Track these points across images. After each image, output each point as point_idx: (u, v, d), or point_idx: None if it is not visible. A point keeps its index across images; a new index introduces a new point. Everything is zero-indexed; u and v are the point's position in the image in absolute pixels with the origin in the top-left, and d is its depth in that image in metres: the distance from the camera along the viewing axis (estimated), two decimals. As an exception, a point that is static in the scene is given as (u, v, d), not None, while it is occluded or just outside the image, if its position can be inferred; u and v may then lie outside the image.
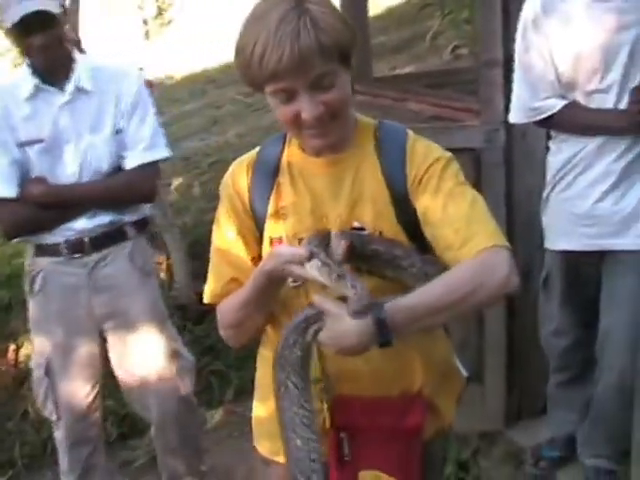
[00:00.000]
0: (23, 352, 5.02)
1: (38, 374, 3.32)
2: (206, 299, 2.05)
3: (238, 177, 2.02)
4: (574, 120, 3.01)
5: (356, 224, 1.92)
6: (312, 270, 1.77)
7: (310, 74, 1.75)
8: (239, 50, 1.80)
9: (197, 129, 8.96)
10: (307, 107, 1.78)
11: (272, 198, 1.97)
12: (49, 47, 2.99)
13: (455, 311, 1.78)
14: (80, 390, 3.32)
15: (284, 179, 1.98)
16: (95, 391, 3.36)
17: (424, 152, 1.92)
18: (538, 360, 3.57)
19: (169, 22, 17.27)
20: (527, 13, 3.03)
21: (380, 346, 1.74)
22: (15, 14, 2.89)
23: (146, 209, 3.35)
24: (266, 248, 1.97)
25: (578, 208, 3.05)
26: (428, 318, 1.76)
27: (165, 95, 9.48)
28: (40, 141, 3.10)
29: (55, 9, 2.97)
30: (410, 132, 1.98)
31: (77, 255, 3.19)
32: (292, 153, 1.99)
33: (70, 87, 3.10)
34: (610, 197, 2.99)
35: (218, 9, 15.35)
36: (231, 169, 2.05)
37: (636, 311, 2.96)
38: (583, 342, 3.27)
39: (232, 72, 11.50)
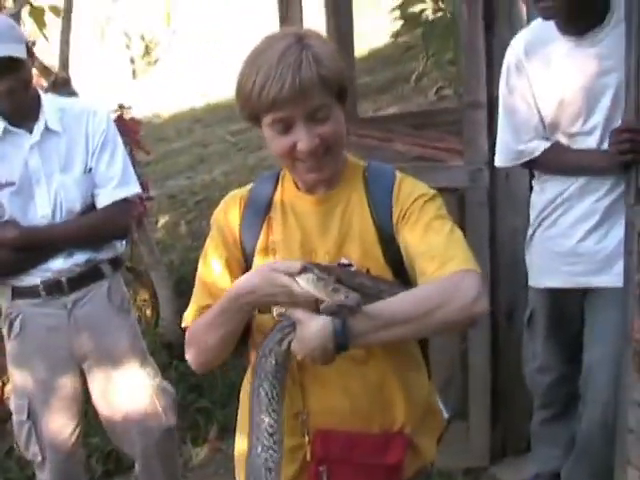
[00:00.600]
0: (8, 388, 5.00)
1: (20, 418, 3.28)
2: (183, 323, 2.06)
3: (230, 210, 2.06)
4: (557, 161, 3.06)
5: (344, 261, 1.95)
6: (307, 284, 1.78)
7: (309, 105, 1.82)
8: (240, 82, 1.87)
9: (184, 167, 9.00)
10: (304, 138, 1.84)
11: (262, 233, 2.01)
12: (15, 91, 2.99)
13: (418, 325, 1.79)
14: (64, 429, 3.29)
15: (275, 215, 2.02)
16: (78, 429, 3.34)
17: (409, 191, 1.96)
18: (522, 397, 3.60)
19: (156, 61, 17.37)
20: (510, 57, 3.08)
21: (336, 349, 1.77)
22: None
23: (120, 247, 3.35)
24: None
25: (562, 247, 3.09)
26: (390, 328, 1.78)
27: (152, 133, 9.52)
28: (11, 184, 3.08)
29: (22, 54, 2.96)
30: (398, 172, 2.02)
31: (55, 296, 3.17)
32: (285, 191, 2.04)
33: (39, 128, 3.09)
34: (593, 236, 3.03)
35: (204, 49, 15.46)
36: (223, 202, 2.09)
37: (619, 346, 2.99)
38: (567, 378, 3.29)
39: (218, 111, 11.65)
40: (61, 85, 4.60)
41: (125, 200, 3.22)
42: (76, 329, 3.21)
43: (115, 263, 3.31)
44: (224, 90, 12.31)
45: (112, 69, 15.99)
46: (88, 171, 3.15)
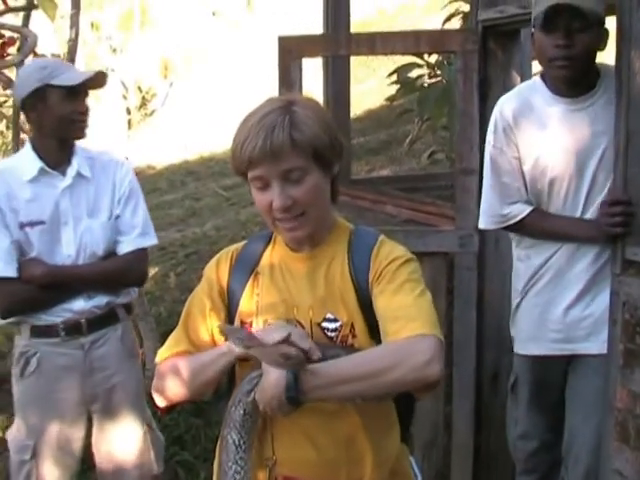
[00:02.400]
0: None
1: (22, 457, 3.28)
2: (156, 358, 2.13)
3: (221, 264, 2.14)
4: (541, 226, 3.08)
5: (329, 316, 2.00)
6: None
7: (280, 166, 1.90)
8: (233, 138, 1.96)
9: (175, 220, 9.03)
10: (276, 197, 1.92)
11: (248, 286, 2.08)
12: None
13: (369, 385, 1.84)
14: (64, 473, 3.32)
15: (263, 270, 2.09)
16: (74, 473, 3.39)
17: (387, 253, 2.02)
18: (504, 461, 3.62)
19: (152, 112, 17.50)
20: (498, 121, 3.11)
21: (289, 402, 1.83)
22: (78, 77, 3.13)
23: (133, 293, 3.44)
24: None
25: (549, 314, 3.11)
26: (342, 386, 1.84)
27: (145, 185, 9.54)
28: (42, 222, 3.17)
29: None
30: (381, 237, 2.08)
31: (74, 336, 3.24)
32: (275, 248, 2.11)
33: (72, 172, 3.20)
34: (580, 303, 3.05)
35: (200, 103, 15.56)
36: (218, 255, 2.17)
37: (600, 413, 3.01)
38: (550, 445, 3.28)
39: (211, 165, 11.71)
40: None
41: (144, 250, 3.33)
42: (90, 370, 3.27)
43: (129, 308, 3.42)
44: (217, 144, 12.42)
45: (108, 119, 16.08)
46: (114, 218, 3.26)
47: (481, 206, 3.24)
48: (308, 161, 1.92)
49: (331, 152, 1.97)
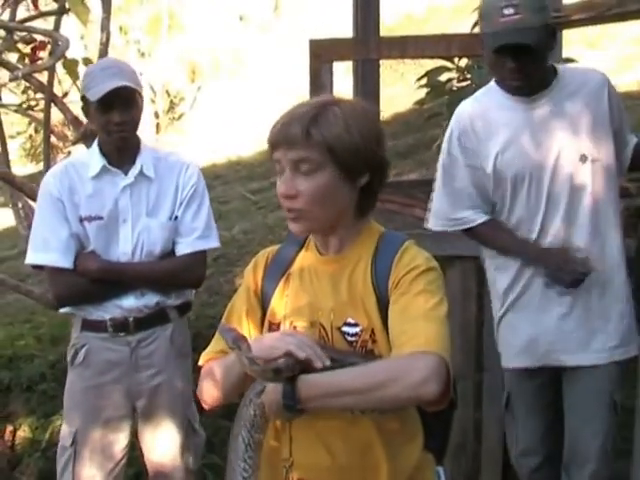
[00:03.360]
0: (20, 435, 5.02)
1: (64, 443, 3.37)
2: (200, 361, 2.18)
3: (258, 265, 2.20)
4: (492, 239, 3.12)
5: (350, 320, 2.02)
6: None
7: (292, 154, 1.93)
8: None
9: (203, 223, 9.03)
10: (282, 182, 1.96)
11: (279, 287, 2.12)
12: (128, 125, 3.20)
13: (365, 398, 1.86)
14: (102, 468, 3.36)
15: (294, 272, 2.12)
16: (118, 469, 3.42)
17: (408, 261, 2.02)
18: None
19: (180, 116, 17.57)
20: (454, 127, 3.14)
21: (286, 410, 1.88)
22: (102, 89, 3.09)
23: (189, 294, 3.48)
24: (266, 330, 2.13)
25: (536, 326, 3.09)
26: (338, 398, 1.87)
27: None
28: (100, 218, 3.25)
29: (138, 87, 3.22)
30: (407, 242, 2.08)
31: (121, 333, 3.30)
32: (308, 251, 2.14)
33: (134, 171, 3.28)
34: (570, 313, 3.05)
35: (228, 106, 15.60)
36: (256, 257, 2.24)
37: (601, 413, 3.04)
38: (552, 458, 3.26)
39: (238, 169, 11.73)
40: (90, 137, 4.66)
41: (203, 252, 3.37)
42: (136, 367, 3.33)
43: (182, 309, 3.45)
44: (245, 148, 12.44)
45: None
46: (174, 219, 3.31)
47: (432, 208, 3.24)
48: (323, 157, 1.94)
49: (355, 158, 1.96)
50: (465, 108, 3.16)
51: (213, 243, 3.40)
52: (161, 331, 3.35)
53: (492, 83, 3.13)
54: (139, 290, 3.28)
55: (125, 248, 3.27)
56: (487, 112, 3.07)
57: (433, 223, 3.26)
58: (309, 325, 2.05)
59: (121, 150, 3.27)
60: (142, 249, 3.28)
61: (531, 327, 3.11)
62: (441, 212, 3.20)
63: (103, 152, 3.28)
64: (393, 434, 2.05)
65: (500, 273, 3.18)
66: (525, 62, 2.87)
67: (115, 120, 3.16)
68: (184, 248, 3.33)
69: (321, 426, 2.00)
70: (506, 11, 2.81)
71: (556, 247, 3.01)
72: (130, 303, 3.28)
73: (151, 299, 3.30)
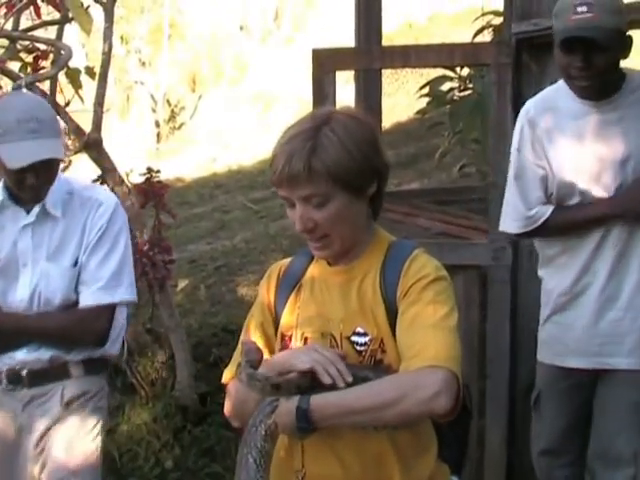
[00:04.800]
0: None
1: None
2: (223, 379, 2.17)
3: (272, 277, 2.18)
4: (563, 222, 3.03)
5: (359, 329, 2.01)
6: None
7: (299, 192, 1.92)
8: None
9: (204, 232, 9.06)
10: (297, 219, 1.96)
11: (291, 298, 2.11)
12: (41, 187, 2.84)
13: (376, 416, 1.86)
14: None
15: (305, 284, 2.11)
16: None
17: (417, 269, 1.99)
18: (537, 476, 3.58)
19: (180, 126, 17.61)
20: (523, 124, 3.10)
21: (298, 431, 1.89)
22: (16, 159, 2.72)
23: (112, 347, 3.01)
24: (279, 343, 2.11)
25: (571, 327, 3.08)
26: (350, 417, 1.87)
27: (174, 198, 9.62)
28: None
29: (61, 154, 2.89)
30: (417, 251, 2.05)
31: (16, 387, 2.93)
32: (318, 262, 2.12)
33: (36, 210, 2.88)
34: (601, 316, 3.02)
35: (228, 115, 15.64)
36: (270, 269, 2.22)
37: (633, 421, 2.99)
38: (575, 460, 3.23)
39: (239, 178, 11.75)
40: (92, 146, 4.68)
41: (107, 307, 2.91)
42: (29, 424, 2.96)
43: (89, 364, 2.99)
44: (246, 157, 12.46)
45: (137, 132, 16.21)
46: (76, 265, 2.90)
47: (504, 208, 3.19)
48: (330, 188, 1.92)
49: (360, 176, 1.95)
50: (534, 102, 3.13)
51: (122, 296, 2.93)
52: (57, 388, 2.93)
53: (561, 82, 3.09)
54: (34, 343, 2.90)
55: (22, 295, 2.88)
56: (553, 111, 3.04)
57: (511, 226, 3.18)
58: (320, 336, 2.04)
59: (36, 199, 2.89)
60: (40, 297, 2.88)
61: (585, 327, 3.07)
62: (516, 212, 3.13)
63: (6, 184, 2.90)
64: (406, 446, 2.02)
65: (560, 273, 3.13)
66: (593, 60, 2.82)
67: (29, 183, 2.78)
68: (85, 299, 2.89)
69: (333, 439, 1.99)
70: (579, 9, 2.78)
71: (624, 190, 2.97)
72: (22, 356, 2.90)
73: (44, 353, 2.90)
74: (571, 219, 3.03)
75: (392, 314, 1.98)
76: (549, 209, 3.04)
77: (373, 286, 2.02)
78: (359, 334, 2.00)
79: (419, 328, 1.91)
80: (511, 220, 3.16)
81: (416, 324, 1.92)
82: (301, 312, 2.09)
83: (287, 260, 2.21)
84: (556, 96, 3.07)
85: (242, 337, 2.15)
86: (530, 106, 3.12)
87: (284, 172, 1.91)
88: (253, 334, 2.14)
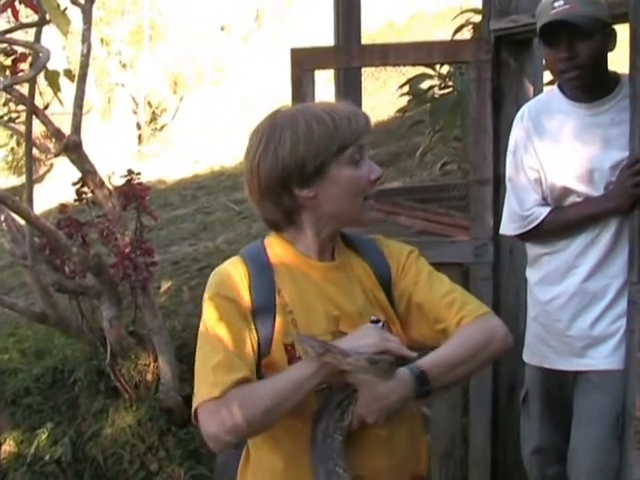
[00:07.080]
0: (5, 449, 4.99)
1: None
2: (215, 393, 1.84)
3: (233, 276, 1.99)
4: (558, 221, 3.04)
5: (373, 317, 2.04)
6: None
7: (366, 138, 2.03)
8: (306, 134, 1.94)
9: (187, 234, 9.05)
10: (374, 166, 2.03)
11: (278, 304, 1.97)
12: None
13: (471, 365, 2.00)
14: None
15: (282, 278, 2.00)
16: None
17: (398, 249, 2.14)
18: (523, 474, 3.58)
19: (162, 127, 17.59)
20: (518, 129, 3.12)
21: (417, 398, 1.92)
22: None
23: None
24: (280, 353, 1.95)
25: (552, 328, 3.09)
26: (454, 370, 1.97)
27: (156, 199, 9.59)
28: None
29: None
30: (375, 236, 2.18)
31: None
32: (281, 255, 2.03)
33: None
34: (581, 317, 3.02)
35: (210, 117, 15.62)
36: (223, 275, 2.01)
37: (602, 431, 2.97)
38: (563, 460, 3.20)
39: (222, 179, 11.74)
40: (72, 148, 4.65)
41: None
42: None
43: None
44: (228, 158, 12.44)
45: (118, 134, 16.17)
46: None
47: (504, 214, 3.21)
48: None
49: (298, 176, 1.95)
50: (530, 105, 3.16)
51: None
52: None
53: (555, 88, 3.13)
54: None
55: None
56: (547, 114, 3.06)
57: (509, 228, 3.20)
58: (332, 337, 1.95)
59: None
60: None
61: (547, 329, 3.10)
62: (513, 214, 3.15)
63: None
64: (419, 418, 2.18)
65: (545, 273, 3.13)
66: (577, 48, 2.86)
67: None
68: None
69: (377, 429, 1.96)
70: (557, 4, 2.87)
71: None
72: None
73: None
74: (566, 219, 3.05)
75: (390, 297, 2.09)
76: (545, 210, 3.06)
77: (367, 275, 2.08)
78: (375, 322, 2.03)
79: (443, 291, 2.06)
80: (509, 222, 3.19)
81: (437, 289, 2.07)
82: (298, 317, 1.97)
83: (235, 258, 2.03)
84: (550, 99, 3.10)
85: (224, 349, 1.89)
86: (525, 109, 3.15)
87: (362, 120, 2.00)
88: (242, 342, 1.92)
